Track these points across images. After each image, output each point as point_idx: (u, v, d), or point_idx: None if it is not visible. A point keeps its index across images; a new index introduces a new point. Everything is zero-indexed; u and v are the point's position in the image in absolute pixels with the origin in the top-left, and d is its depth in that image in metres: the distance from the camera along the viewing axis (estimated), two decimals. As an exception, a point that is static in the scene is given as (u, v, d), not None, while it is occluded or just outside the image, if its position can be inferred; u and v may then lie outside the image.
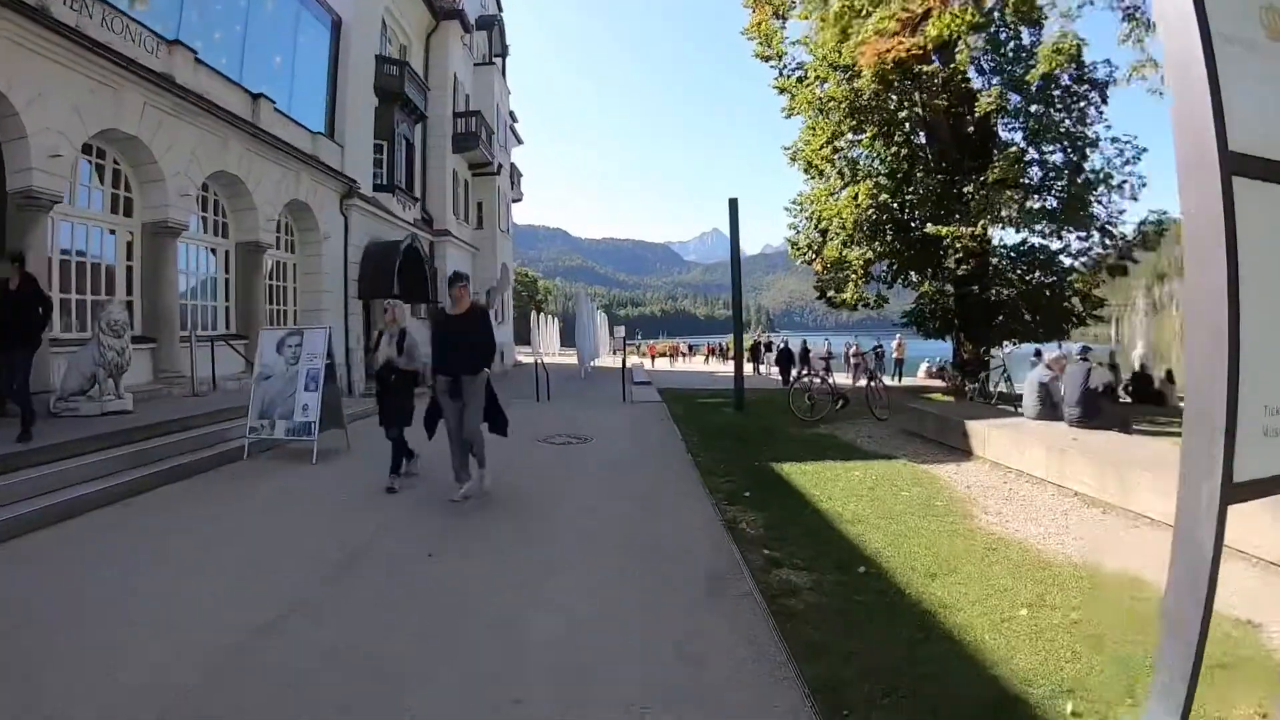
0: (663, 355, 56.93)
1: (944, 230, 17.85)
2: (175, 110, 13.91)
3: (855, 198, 19.30)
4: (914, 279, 21.53)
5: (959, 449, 10.41)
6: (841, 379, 20.08)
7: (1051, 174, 19.32)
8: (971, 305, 19.54)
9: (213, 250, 16.52)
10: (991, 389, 17.22)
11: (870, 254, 20.33)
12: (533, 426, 12.51)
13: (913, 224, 19.80)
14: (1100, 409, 9.47)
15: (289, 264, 19.43)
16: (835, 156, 20.95)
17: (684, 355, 61.33)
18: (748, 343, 66.37)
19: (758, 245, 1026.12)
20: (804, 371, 26.73)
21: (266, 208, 17.16)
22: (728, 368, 49.98)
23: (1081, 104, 19.23)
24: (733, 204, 16.21)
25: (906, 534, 6.18)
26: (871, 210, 19.27)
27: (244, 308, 16.94)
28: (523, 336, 57.68)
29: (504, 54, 37.61)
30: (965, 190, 18.47)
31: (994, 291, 18.94)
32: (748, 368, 50.53)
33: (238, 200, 16.71)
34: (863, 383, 15.94)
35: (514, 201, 41.10)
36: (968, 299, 19.60)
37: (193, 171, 14.62)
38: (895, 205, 19.95)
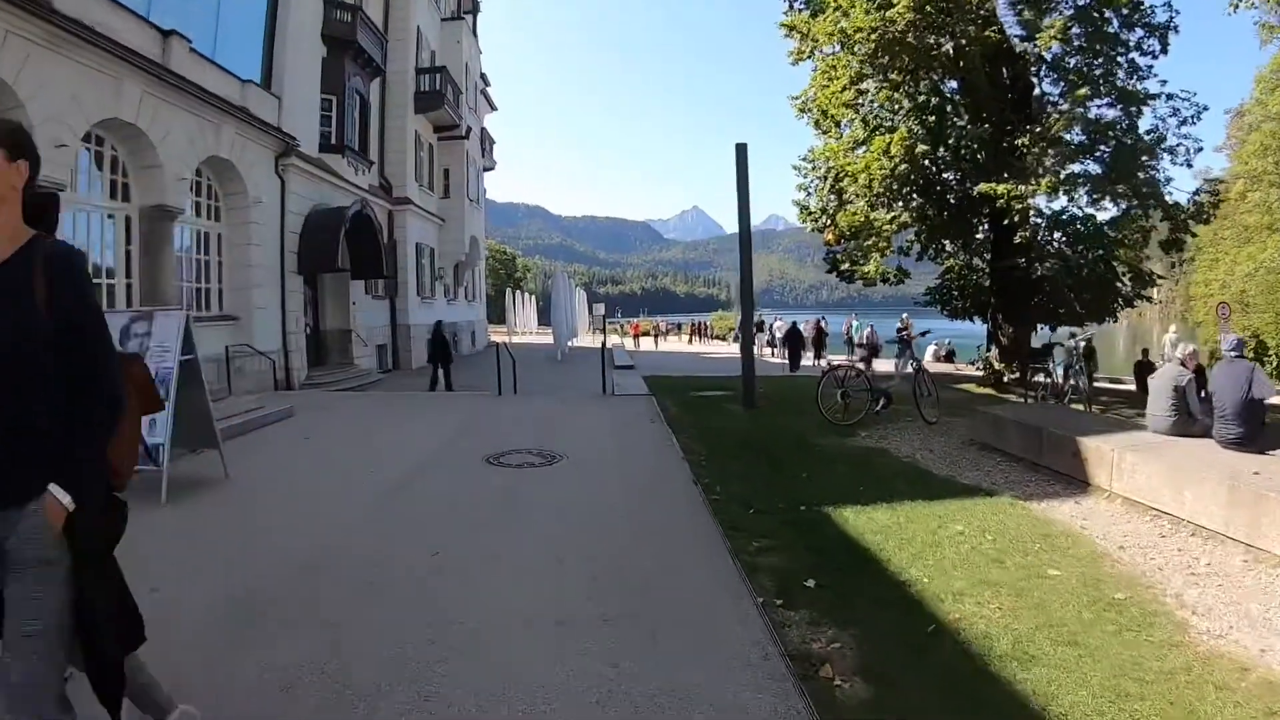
0: (645, 335, 53.33)
1: (1000, 189, 15.10)
2: (50, 41, 11.07)
3: (886, 150, 16.24)
4: (946, 249, 18.81)
5: (1067, 475, 7.74)
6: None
7: (1097, 134, 16.63)
8: (1011, 282, 16.93)
9: (110, 216, 13.68)
10: (1060, 381, 14.14)
11: (905, 217, 17.42)
12: (484, 436, 9.91)
13: (952, 183, 17.33)
14: (1264, 424, 6.89)
15: (212, 234, 16.59)
16: (859, 102, 17.98)
17: (670, 334, 58.52)
18: (725, 322, 64.22)
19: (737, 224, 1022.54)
20: (825, 360, 24.20)
21: (176, 164, 14.34)
22: (715, 348, 48.17)
23: (1133, 54, 16.59)
24: (741, 150, 13.18)
25: (1117, 678, 3.53)
26: (904, 165, 16.27)
27: (150, 286, 14.12)
28: (499, 316, 55.24)
29: (475, 10, 34.65)
30: (1019, 143, 15.85)
31: (1036, 266, 16.34)
32: (735, 347, 48.39)
33: (140, 156, 13.87)
34: (908, 371, 12.96)
35: (486, 170, 38.17)
36: (1011, 274, 17.04)
37: (73, 118, 11.76)
38: (930, 161, 17.00)
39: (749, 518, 6.28)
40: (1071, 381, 13.82)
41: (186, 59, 14.61)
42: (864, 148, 17.39)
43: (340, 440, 9.92)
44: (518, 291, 58.39)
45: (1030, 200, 15.19)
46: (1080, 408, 13.24)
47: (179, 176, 14.44)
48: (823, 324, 30.99)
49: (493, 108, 41.82)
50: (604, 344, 14.55)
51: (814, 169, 19.37)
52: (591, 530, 5.80)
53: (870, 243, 17.98)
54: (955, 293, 18.80)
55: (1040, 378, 14.51)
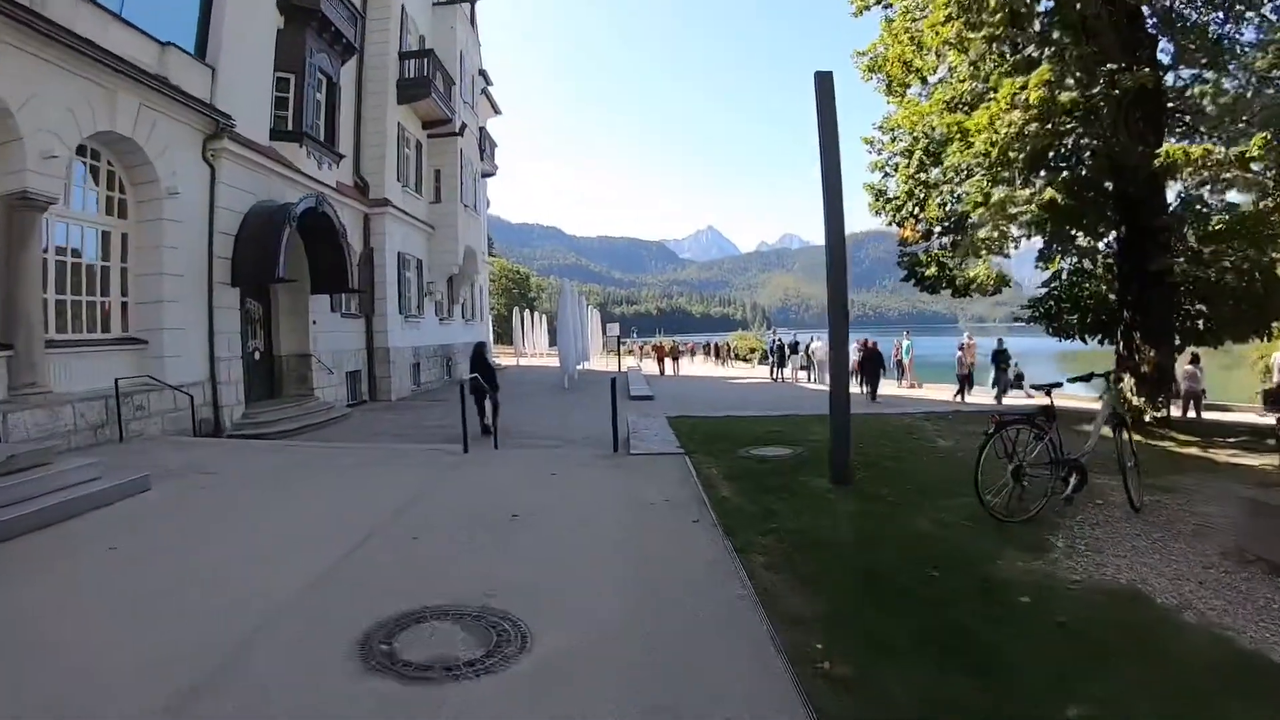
0: (678, 355, 42.05)
1: (1195, 152, 10.57)
2: None
3: (1013, 99, 11.30)
4: (1076, 244, 14.30)
5: None
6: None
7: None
8: (1154, 289, 12.72)
9: (-63, 204, 10.00)
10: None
11: (1049, 194, 11.91)
12: (395, 557, 5.57)
13: (1088, 149, 12.86)
14: None
15: (114, 233, 12.87)
16: (970, 35, 12.42)
17: (693, 355, 54.03)
18: (746, 342, 59.93)
19: (752, 243, 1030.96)
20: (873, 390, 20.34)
21: (44, 139, 10.59)
22: (740, 371, 43.92)
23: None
24: (823, 81, 8.43)
25: None
26: (1033, 124, 11.41)
27: (7, 300, 10.43)
28: (509, 337, 51.82)
29: (474, -1, 31.11)
30: (1193, 92, 11.74)
31: (1202, 269, 12.16)
32: (761, 369, 44.28)
33: (-13, 125, 10.21)
34: (1104, 428, 7.80)
35: (487, 176, 34.46)
36: (1156, 280, 12.56)
37: None
38: (1072, 115, 11.95)
39: None
40: None
41: (72, 6, 10.98)
42: (965, 109, 12.70)
43: (155, 559, 5.61)
44: (527, 311, 54.72)
45: (1226, 173, 10.90)
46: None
47: (48, 154, 10.67)
48: (906, 344, 27.09)
49: (496, 111, 38.32)
50: (614, 382, 9.99)
51: (894, 141, 15.36)
52: None
53: (985, 235, 13.08)
54: (1066, 305, 14.66)
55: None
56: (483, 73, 33.32)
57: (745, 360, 50.22)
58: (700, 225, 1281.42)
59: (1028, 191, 11.73)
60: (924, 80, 14.07)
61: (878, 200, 15.66)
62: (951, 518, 6.73)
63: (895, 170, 15.22)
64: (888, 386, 25.25)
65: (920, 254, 15.65)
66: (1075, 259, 14.37)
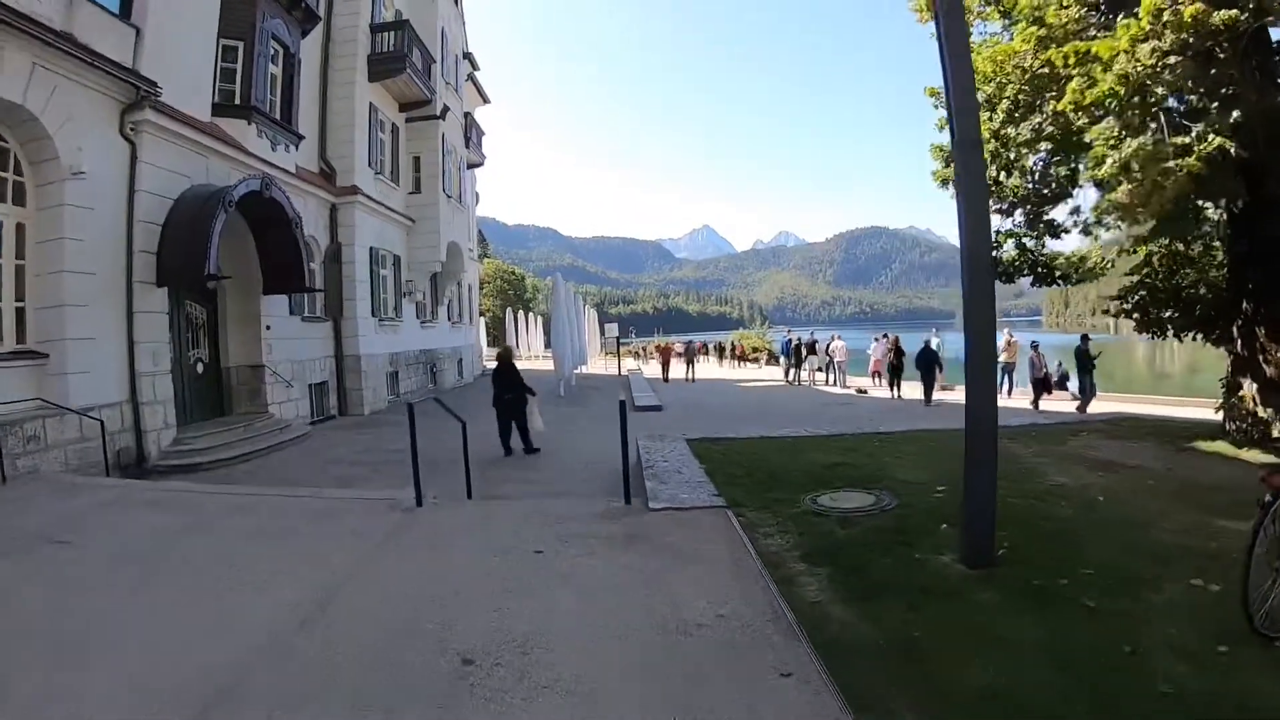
0: (693, 358, 34.09)
1: None
2: None
3: (1159, 16, 8.37)
4: (1207, 217, 11.52)
5: None
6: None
7: None
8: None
9: None
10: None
11: (1218, 143, 8.83)
12: None
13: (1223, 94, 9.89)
14: None
15: (8, 222, 10.44)
16: None
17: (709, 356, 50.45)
18: (755, 341, 56.98)
19: (748, 241, 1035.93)
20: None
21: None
22: (749, 374, 40.92)
23: None
24: None
25: None
26: (1174, 57, 8.57)
27: None
28: (504, 339, 49.52)
29: (458, -27, 28.58)
30: None
31: None
32: (768, 370, 41.65)
33: None
34: None
35: (473, 167, 31.88)
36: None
37: None
38: (1223, 44, 8.92)
39: None
40: None
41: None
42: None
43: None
44: (520, 312, 52.32)
45: None
46: None
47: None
48: (933, 344, 24.73)
49: (484, 99, 35.83)
50: (623, 409, 7.24)
51: (1004, 86, 12.19)
52: None
53: (1119, 199, 9.67)
54: (1163, 296, 12.11)
55: None
56: (469, 56, 30.84)
57: (753, 361, 47.69)
58: (696, 224, 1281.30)
59: (1182, 139, 8.97)
60: (1006, 13, 11.46)
61: (947, 166, 13.05)
62: (1193, 637, 4.14)
63: (1002, 127, 12.50)
64: (913, 388, 22.93)
65: (995, 235, 13.12)
66: (1168, 241, 11.82)
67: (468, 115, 28.71)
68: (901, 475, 7.85)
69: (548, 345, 50.22)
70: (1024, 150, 11.36)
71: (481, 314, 67.73)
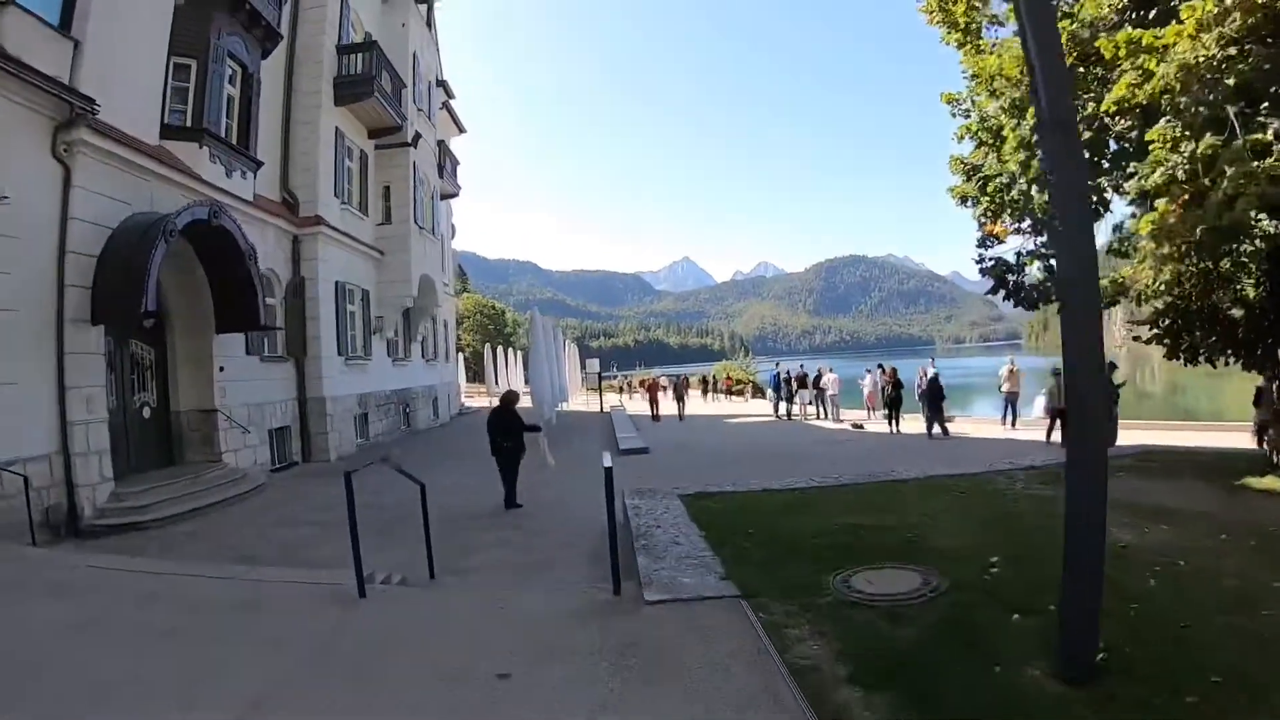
0: (683, 394, 32.59)
1: None
2: None
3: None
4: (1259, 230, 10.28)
5: None
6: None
7: None
8: None
9: None
10: None
11: None
12: None
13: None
14: None
15: (-86, 254, 9.28)
16: None
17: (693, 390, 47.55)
18: (739, 373, 55.53)
19: (728, 272, 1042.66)
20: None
21: None
22: (736, 408, 39.25)
23: None
24: None
25: None
26: (1232, 47, 7.59)
27: None
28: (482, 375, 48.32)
29: None
30: None
31: None
32: (755, 404, 40.32)
33: None
34: None
35: (448, 197, 30.74)
36: None
37: None
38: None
39: None
40: None
41: None
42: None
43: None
44: (501, 347, 51.05)
45: None
46: None
47: None
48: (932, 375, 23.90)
49: (460, 129, 34.86)
50: (609, 480, 6.08)
51: (993, 97, 10.86)
52: None
53: (1163, 213, 8.37)
54: (1197, 319, 11.00)
55: None
56: (443, 84, 29.88)
57: (739, 395, 46.47)
58: (675, 256, 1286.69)
59: (1259, 137, 7.70)
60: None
61: (969, 180, 12.04)
62: None
63: (992, 139, 11.62)
64: (912, 421, 21.87)
65: (1016, 256, 12.07)
66: (1200, 260, 10.74)
67: (441, 144, 27.60)
68: (940, 541, 6.62)
69: (529, 381, 49.01)
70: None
71: (461, 350, 66.52)
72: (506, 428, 11.69)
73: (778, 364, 29.79)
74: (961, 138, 11.88)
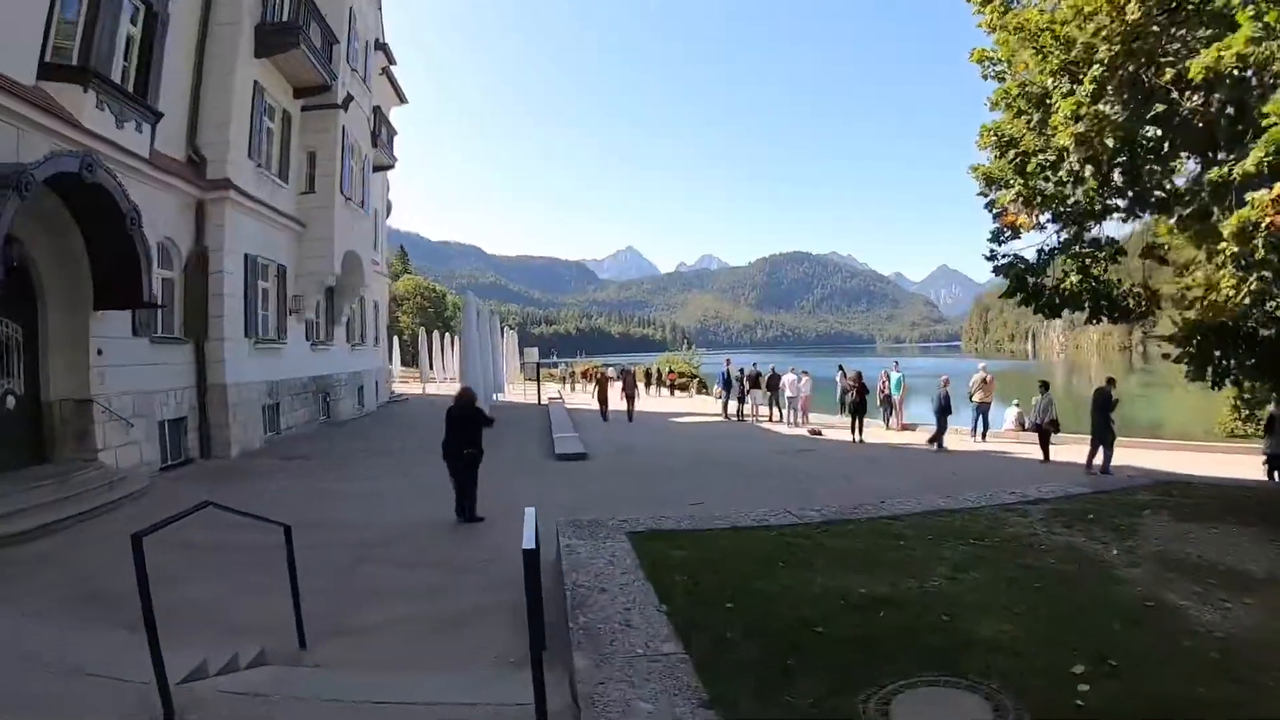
0: (634, 392, 27.90)
1: None
2: None
3: None
4: None
5: None
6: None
7: None
8: None
9: None
10: None
11: None
12: None
13: None
14: None
15: None
16: None
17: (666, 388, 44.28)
18: (684, 366, 53.73)
19: (672, 263, 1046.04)
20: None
21: None
22: (682, 404, 37.27)
23: None
24: None
25: None
26: None
27: None
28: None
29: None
30: None
31: None
32: (701, 401, 38.66)
33: None
34: None
35: (384, 169, 28.57)
36: None
37: None
38: None
39: None
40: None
41: None
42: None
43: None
44: (440, 332, 48.88)
45: None
46: None
47: None
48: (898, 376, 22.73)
49: (401, 99, 32.75)
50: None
51: (1041, 57, 9.04)
52: None
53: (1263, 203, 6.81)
54: (1234, 337, 9.65)
55: None
56: (384, 47, 27.72)
57: (682, 389, 44.91)
58: (620, 245, 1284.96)
59: None
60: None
61: (1003, 157, 10.25)
62: None
63: (1034, 107, 9.71)
64: (874, 430, 20.62)
65: (1038, 255, 10.49)
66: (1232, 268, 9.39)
67: (377, 110, 25.40)
68: (985, 627, 4.93)
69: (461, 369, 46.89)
70: (1119, 136, 8.56)
71: (399, 333, 63.91)
72: (470, 431, 10.29)
73: (728, 361, 28.32)
74: (996, 104, 10.19)
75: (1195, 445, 19.35)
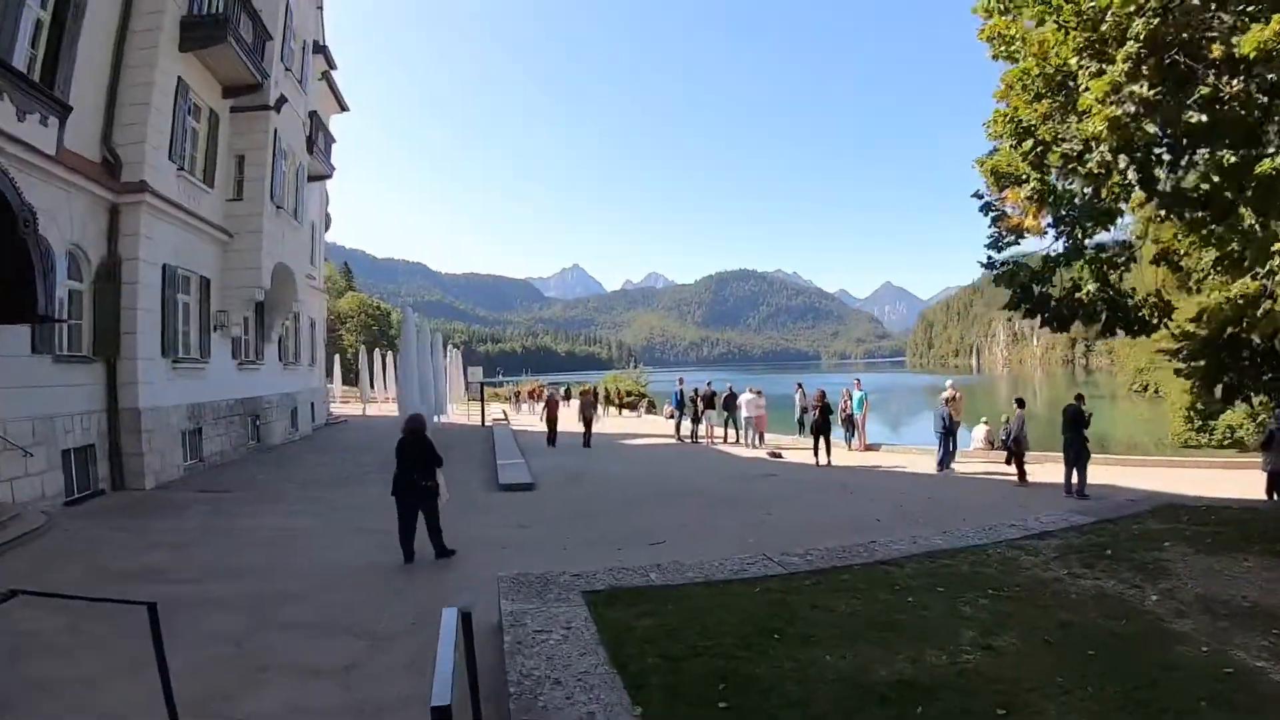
0: (591, 415, 24.44)
1: None
2: None
3: None
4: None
5: None
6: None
7: None
8: None
9: None
10: None
11: None
12: None
13: None
14: None
15: None
16: None
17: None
18: (631, 384, 52.69)
19: (618, 281, 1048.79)
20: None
21: None
22: (627, 424, 36.36)
23: None
24: None
25: None
26: None
27: None
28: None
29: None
30: None
31: None
32: (651, 421, 37.52)
33: None
34: None
35: (320, 179, 27.09)
36: None
37: None
38: None
39: None
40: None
41: None
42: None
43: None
44: (385, 351, 47.31)
45: None
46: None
47: None
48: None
49: (342, 106, 31.49)
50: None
51: (1064, 35, 8.15)
52: None
53: None
54: (1247, 350, 8.99)
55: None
56: (323, 49, 26.45)
57: (630, 408, 43.89)
58: (566, 263, 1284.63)
59: None
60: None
61: (1022, 143, 9.14)
62: None
63: (1055, 91, 8.76)
64: (836, 450, 19.84)
65: (1043, 261, 9.65)
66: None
67: (314, 115, 24.00)
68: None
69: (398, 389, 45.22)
70: (1157, 122, 7.63)
71: (344, 352, 61.89)
72: (424, 462, 9.15)
73: (681, 380, 27.42)
74: (1010, 87, 9.24)
75: (1172, 461, 19.16)
